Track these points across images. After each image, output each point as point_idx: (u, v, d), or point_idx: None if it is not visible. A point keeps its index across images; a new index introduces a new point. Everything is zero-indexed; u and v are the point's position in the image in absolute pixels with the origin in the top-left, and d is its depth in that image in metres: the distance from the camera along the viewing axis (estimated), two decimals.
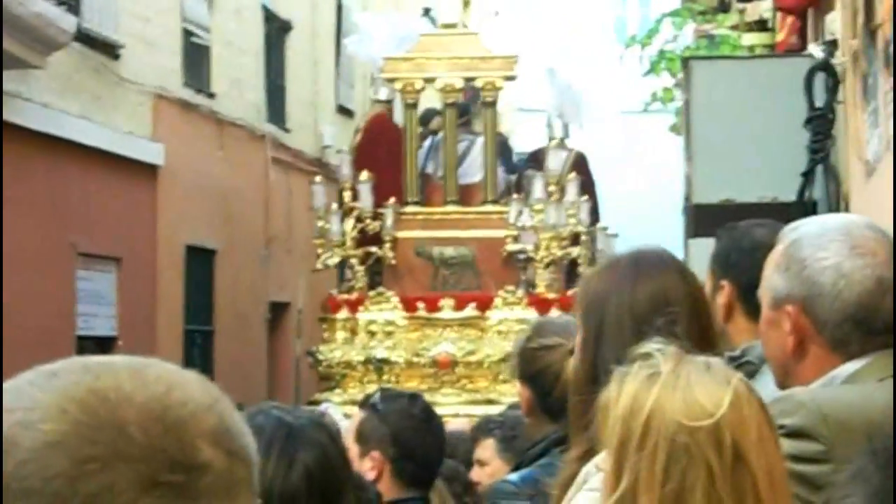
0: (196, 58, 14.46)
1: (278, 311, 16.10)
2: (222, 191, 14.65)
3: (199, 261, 14.35)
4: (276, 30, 16.52)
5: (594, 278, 2.88)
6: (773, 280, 2.57)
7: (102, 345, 12.33)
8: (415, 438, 3.83)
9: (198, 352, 14.07)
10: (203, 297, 14.45)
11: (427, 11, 16.46)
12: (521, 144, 16.62)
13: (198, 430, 1.20)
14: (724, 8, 12.86)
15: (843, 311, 2.48)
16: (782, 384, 2.58)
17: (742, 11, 10.69)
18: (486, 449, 5.09)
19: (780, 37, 8.79)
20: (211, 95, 14.67)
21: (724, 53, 11.55)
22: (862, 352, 2.48)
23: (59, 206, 11.59)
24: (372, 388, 10.63)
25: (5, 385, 1.22)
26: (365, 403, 3.98)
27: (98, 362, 1.23)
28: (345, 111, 18.34)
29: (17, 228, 10.85)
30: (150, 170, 13.27)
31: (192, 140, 14.07)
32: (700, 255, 4.05)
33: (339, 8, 18.24)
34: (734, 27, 11.68)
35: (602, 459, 2.22)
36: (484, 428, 5.28)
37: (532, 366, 3.71)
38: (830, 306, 2.49)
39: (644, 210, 20.86)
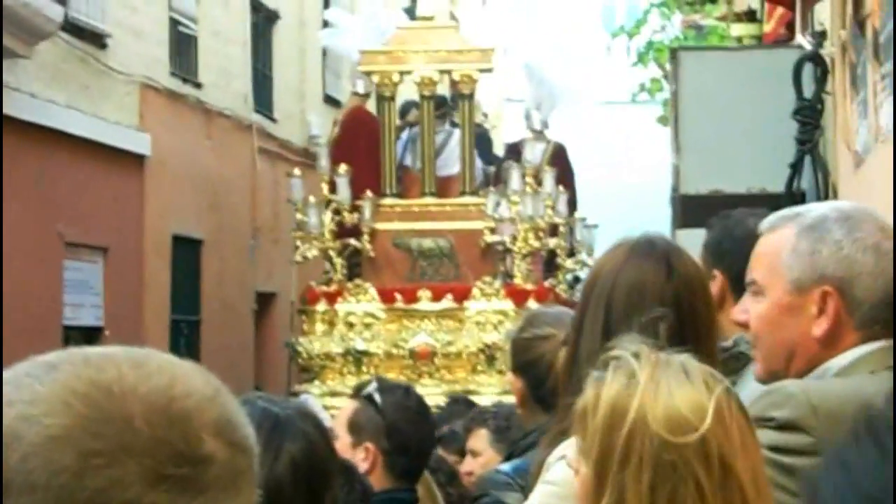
0: (183, 47, 14.44)
1: (265, 301, 16.10)
2: (209, 180, 14.63)
3: (186, 250, 14.33)
4: (263, 19, 16.50)
5: (596, 261, 2.90)
6: (790, 264, 2.54)
7: (89, 335, 12.32)
8: (409, 431, 3.83)
9: (184, 342, 14.06)
10: (190, 286, 14.44)
11: (413, 2, 16.44)
12: (509, 135, 16.68)
13: (201, 422, 1.19)
14: None
15: (885, 291, 2.46)
16: (779, 374, 2.55)
17: (730, 2, 10.71)
18: (479, 439, 5.11)
19: (768, 27, 8.81)
20: (198, 85, 14.65)
21: (712, 44, 11.57)
22: (882, 335, 2.48)
23: (47, 196, 11.57)
24: (351, 379, 10.75)
25: (4, 376, 1.21)
26: (358, 394, 3.97)
27: (98, 354, 1.22)
28: (332, 101, 18.31)
29: (5, 218, 10.83)
30: (137, 159, 13.25)
31: (180, 130, 14.05)
32: (688, 246, 4.04)
33: None
34: (722, 17, 11.70)
35: (567, 448, 2.22)
36: (477, 418, 5.29)
37: (525, 356, 3.71)
38: (873, 285, 2.46)
39: (631, 201, 20.88)
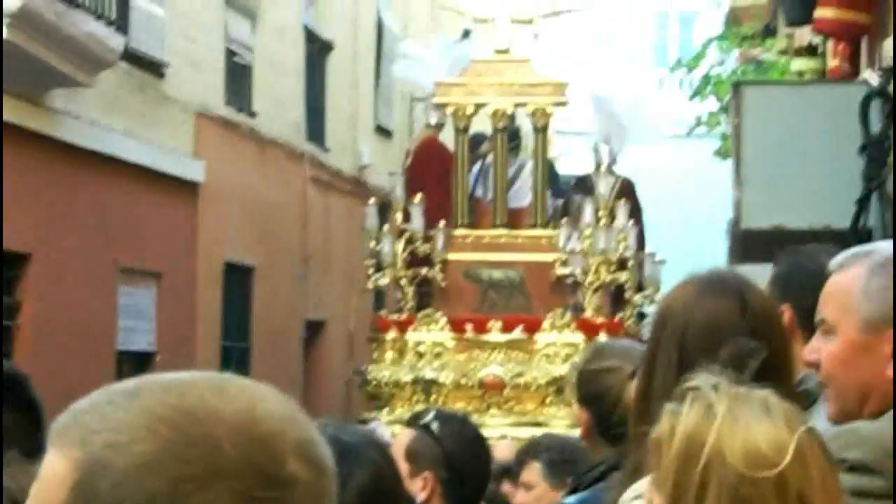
0: (238, 77, 14.56)
1: (314, 329, 16.14)
2: (261, 208, 14.71)
3: (238, 277, 14.41)
4: (318, 50, 16.60)
5: (665, 297, 2.91)
6: (862, 304, 2.54)
7: (141, 360, 12.40)
8: (467, 461, 3.83)
9: (234, 369, 14.06)
10: (240, 313, 14.50)
11: (467, 34, 16.52)
12: (562, 167, 16.64)
13: (285, 444, 1.20)
14: (769, 33, 12.83)
15: None
16: (853, 415, 2.54)
17: (790, 36, 10.68)
18: (532, 472, 5.08)
19: (832, 62, 8.78)
20: (252, 114, 14.75)
21: (773, 78, 11.52)
22: None
23: (103, 222, 11.67)
24: (420, 408, 10.70)
25: (83, 405, 1.21)
26: (415, 423, 3.98)
27: (177, 380, 1.22)
28: (383, 131, 18.40)
29: (62, 243, 10.94)
30: (191, 187, 13.34)
31: (233, 158, 14.15)
32: None
33: (380, 29, 18.31)
34: (783, 52, 11.65)
35: (643, 489, 2.21)
36: (531, 450, 5.27)
37: (591, 388, 3.71)
38: None
39: (685, 235, 20.79)
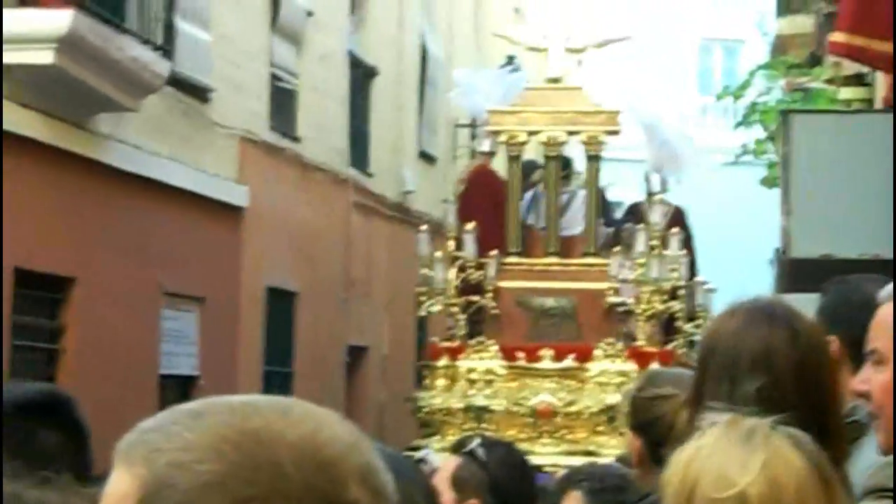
0: (283, 102, 14.61)
1: (356, 354, 16.15)
2: (305, 233, 14.75)
3: (280, 302, 14.43)
4: (362, 76, 16.65)
5: (711, 325, 2.89)
6: None
7: (184, 384, 12.42)
8: (513, 488, 3.82)
9: (276, 393, 14.02)
10: (283, 338, 14.52)
11: (510, 60, 16.56)
12: (611, 195, 16.65)
13: (347, 469, 1.21)
14: (815, 61, 12.81)
15: None
16: None
17: (837, 65, 10.64)
18: (572, 501, 5.04)
19: (882, 91, 8.74)
20: (296, 139, 14.80)
21: (820, 107, 11.50)
22: None
23: (147, 246, 11.72)
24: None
25: (149, 424, 1.23)
26: (460, 449, 3.96)
27: (242, 402, 1.24)
28: (427, 157, 18.43)
29: (107, 266, 10.99)
30: (235, 211, 13.39)
31: (277, 183, 14.19)
32: None
33: (424, 55, 18.36)
34: (830, 81, 11.62)
35: None
36: (572, 479, 5.24)
37: (644, 415, 3.69)
38: None
39: (729, 263, 20.72)
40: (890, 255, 6.11)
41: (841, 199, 6.50)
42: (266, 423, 1.21)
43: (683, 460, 1.96)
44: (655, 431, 3.59)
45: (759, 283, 9.63)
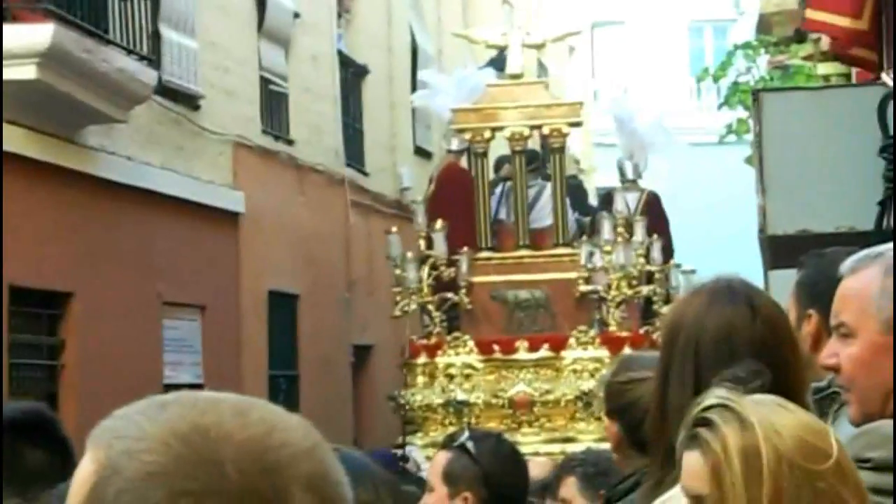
0: (274, 105, 14.63)
1: (362, 353, 16.17)
2: (303, 235, 14.77)
3: (282, 306, 14.46)
4: (352, 75, 16.67)
5: (674, 307, 2.92)
6: (881, 305, 2.53)
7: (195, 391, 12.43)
8: (506, 478, 3.86)
9: (283, 397, 14.14)
10: (287, 341, 14.55)
11: (501, 52, 16.57)
12: (603, 180, 16.71)
13: (293, 475, 1.21)
14: (800, 38, 12.84)
15: None
16: (876, 416, 2.53)
17: (817, 41, 10.65)
18: (569, 487, 5.08)
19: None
20: (290, 142, 14.82)
21: (797, 84, 11.55)
22: None
23: (145, 256, 11.74)
24: (453, 430, 10.94)
25: (121, 412, 1.27)
26: (450, 444, 4.00)
27: (206, 398, 1.27)
28: (423, 153, 18.44)
29: (105, 279, 11.01)
30: (231, 217, 13.41)
31: (273, 186, 14.21)
32: (781, 288, 4.03)
33: (415, 51, 18.37)
34: (808, 57, 11.65)
35: (670, 500, 2.22)
36: (566, 466, 5.28)
37: (620, 399, 3.72)
38: None
39: (721, 242, 20.74)
40: (865, 227, 6.14)
41: (814, 174, 6.54)
42: (219, 420, 1.22)
43: (739, 439, 1.93)
44: (632, 415, 3.62)
45: (751, 261, 9.64)
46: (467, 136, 12.86)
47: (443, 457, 3.97)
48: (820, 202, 6.54)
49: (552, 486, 5.75)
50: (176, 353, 12.39)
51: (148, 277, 11.76)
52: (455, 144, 13.64)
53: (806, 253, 3.65)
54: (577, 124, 12.71)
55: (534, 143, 13.73)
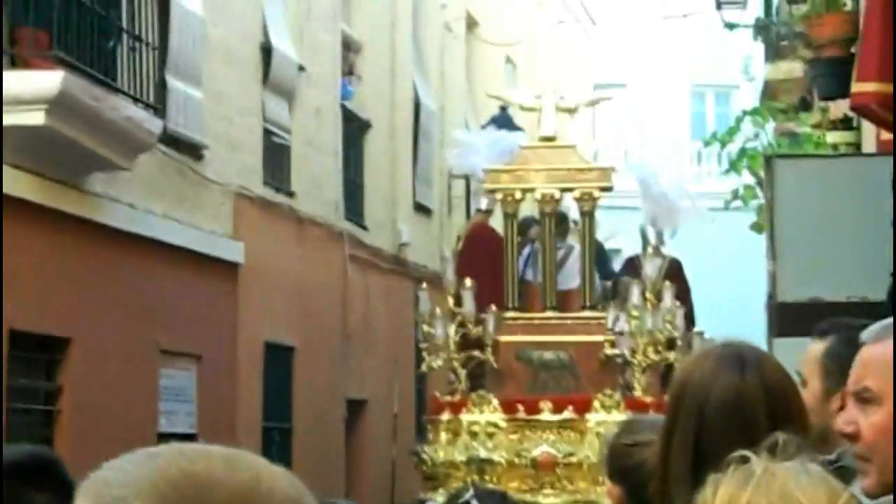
0: (276, 157, 14.65)
1: (355, 408, 16.11)
2: (301, 288, 14.75)
3: (278, 358, 14.41)
4: (355, 129, 16.71)
5: (680, 370, 2.90)
6: None
7: (183, 442, 12.37)
8: None
9: (276, 449, 14.08)
10: (281, 394, 14.49)
11: (504, 110, 16.66)
12: (614, 243, 16.77)
13: None
14: (805, 106, 12.90)
15: None
16: (891, 487, 2.53)
17: (825, 110, 10.70)
18: None
19: (885, 136, 8.76)
20: (290, 194, 14.83)
21: (807, 152, 11.60)
22: None
23: (144, 304, 11.72)
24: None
25: (111, 463, 1.29)
26: (455, 501, 3.98)
27: (195, 448, 1.30)
28: (422, 209, 18.46)
29: (103, 326, 10.98)
30: (231, 267, 13.39)
31: (272, 238, 14.20)
32: (787, 355, 4.00)
33: (417, 107, 18.42)
34: (817, 125, 11.71)
35: None
36: None
37: (624, 462, 3.69)
38: None
39: (723, 308, 20.73)
40: (877, 298, 6.13)
41: (826, 242, 6.54)
42: (208, 468, 1.25)
43: (731, 487, 1.89)
44: (635, 478, 3.59)
45: (754, 328, 9.68)
46: (498, 195, 13.01)
47: None
48: (831, 270, 6.54)
49: None
50: (171, 402, 12.35)
51: (146, 325, 11.73)
52: (485, 204, 13.90)
53: (816, 321, 3.62)
54: (608, 188, 12.80)
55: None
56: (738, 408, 2.63)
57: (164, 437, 12.12)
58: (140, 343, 11.61)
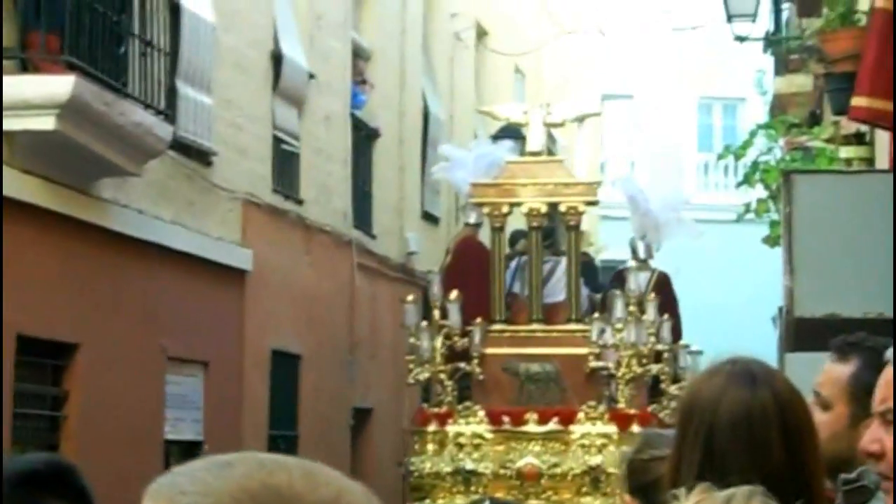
0: (285, 165, 14.64)
1: (361, 417, 16.09)
2: (308, 296, 14.73)
3: (285, 365, 14.39)
4: (364, 137, 16.70)
5: (689, 386, 2.87)
6: None
7: (188, 449, 12.35)
8: None
9: None
10: (288, 402, 14.47)
11: (509, 123, 16.65)
12: (608, 253, 16.72)
13: None
14: (815, 120, 12.90)
15: None
16: None
17: (836, 124, 10.68)
18: None
19: (882, 151, 8.75)
20: (299, 202, 14.81)
21: (820, 166, 11.61)
22: None
23: (151, 310, 11.70)
24: (461, 499, 11.30)
25: (181, 469, 1.26)
26: None
27: (272, 459, 1.27)
28: (430, 217, 18.45)
29: (110, 332, 10.96)
30: (238, 275, 13.37)
31: (280, 245, 14.19)
32: (800, 371, 3.96)
33: (426, 116, 18.42)
34: (830, 140, 11.71)
35: None
36: None
37: (643, 477, 3.67)
38: None
39: (733, 322, 20.68)
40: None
41: (844, 258, 6.52)
42: (289, 481, 1.22)
43: None
44: (655, 494, 3.57)
45: (763, 342, 9.66)
46: (485, 210, 13.14)
47: None
48: (848, 286, 6.52)
49: None
50: (177, 408, 12.32)
51: (153, 332, 11.71)
52: (473, 218, 13.93)
53: (832, 337, 3.58)
54: (594, 203, 13.04)
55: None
56: (747, 424, 2.61)
57: (171, 444, 12.10)
58: (147, 349, 11.59)
